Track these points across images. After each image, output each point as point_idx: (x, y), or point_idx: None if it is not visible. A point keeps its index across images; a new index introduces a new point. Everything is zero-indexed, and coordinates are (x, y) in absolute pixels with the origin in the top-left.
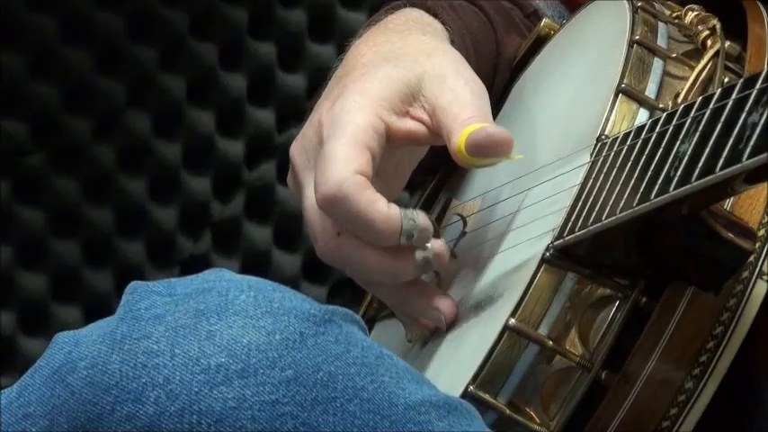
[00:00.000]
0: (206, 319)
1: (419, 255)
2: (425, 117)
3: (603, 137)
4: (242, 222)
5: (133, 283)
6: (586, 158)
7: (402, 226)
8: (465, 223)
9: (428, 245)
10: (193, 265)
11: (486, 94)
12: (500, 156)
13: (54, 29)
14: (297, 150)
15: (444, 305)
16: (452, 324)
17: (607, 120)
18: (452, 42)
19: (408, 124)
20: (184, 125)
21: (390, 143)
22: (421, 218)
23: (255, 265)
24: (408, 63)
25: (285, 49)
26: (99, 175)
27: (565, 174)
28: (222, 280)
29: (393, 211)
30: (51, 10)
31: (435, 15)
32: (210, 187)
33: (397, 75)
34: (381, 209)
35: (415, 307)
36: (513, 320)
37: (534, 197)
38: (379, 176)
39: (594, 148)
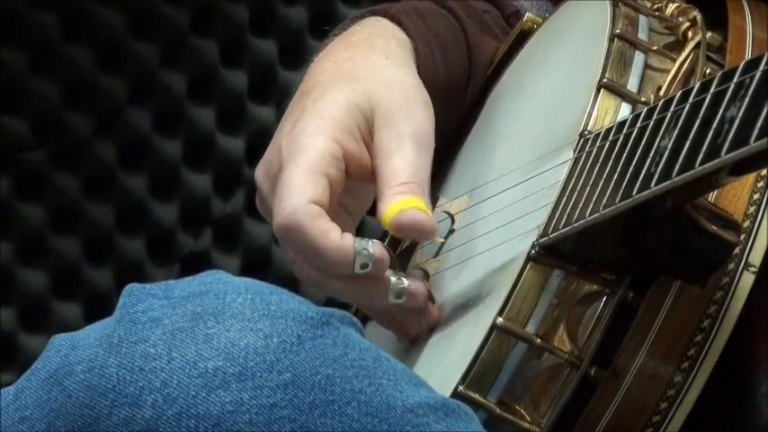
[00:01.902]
0: (203, 323)
1: (392, 287)
2: (370, 154)
3: (586, 132)
4: (242, 219)
5: (130, 286)
6: (570, 154)
7: (355, 256)
8: (453, 220)
9: (403, 278)
10: (194, 263)
11: (430, 144)
12: (420, 239)
13: (55, 26)
14: (261, 175)
15: (426, 311)
16: (440, 324)
17: (590, 115)
18: (417, 52)
19: (363, 154)
20: (185, 122)
21: (348, 169)
22: (376, 248)
23: (256, 262)
24: (367, 89)
25: (286, 45)
26: (100, 171)
27: (549, 170)
28: (219, 282)
29: (346, 241)
30: (52, 7)
31: (399, 24)
32: (211, 184)
33: (355, 100)
34: (333, 239)
35: (395, 313)
36: (500, 319)
37: (519, 194)
38: (351, 192)
39: (577, 144)
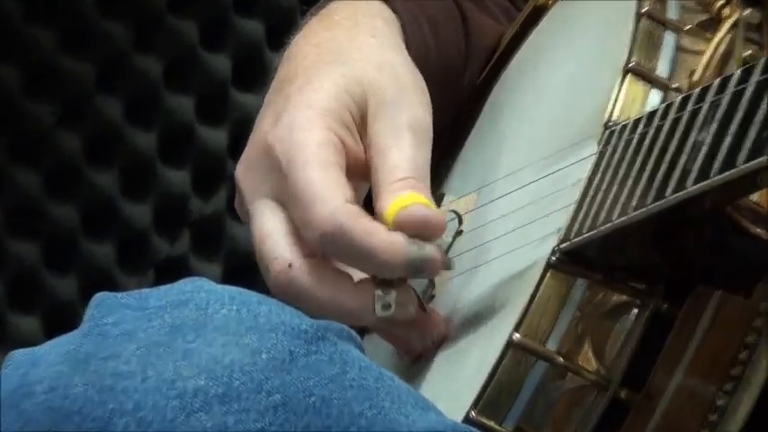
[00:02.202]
0: (182, 336)
1: (379, 297)
2: (364, 145)
3: (611, 123)
4: (225, 220)
5: (99, 295)
6: (593, 148)
7: (407, 254)
8: (460, 221)
9: (387, 291)
10: (170, 269)
11: (429, 134)
12: (428, 238)
13: (15, 5)
14: (243, 174)
15: (431, 326)
16: (448, 339)
17: (615, 104)
18: (404, 29)
19: (359, 147)
20: (161, 111)
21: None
22: (428, 247)
23: (241, 269)
24: (357, 73)
25: (274, 25)
26: (63, 166)
27: (569, 166)
28: (201, 291)
29: (394, 237)
30: None
31: (384, 0)
32: (190, 181)
33: (346, 86)
34: (382, 237)
35: (397, 329)
36: (517, 335)
37: (536, 193)
38: None
39: (602, 137)
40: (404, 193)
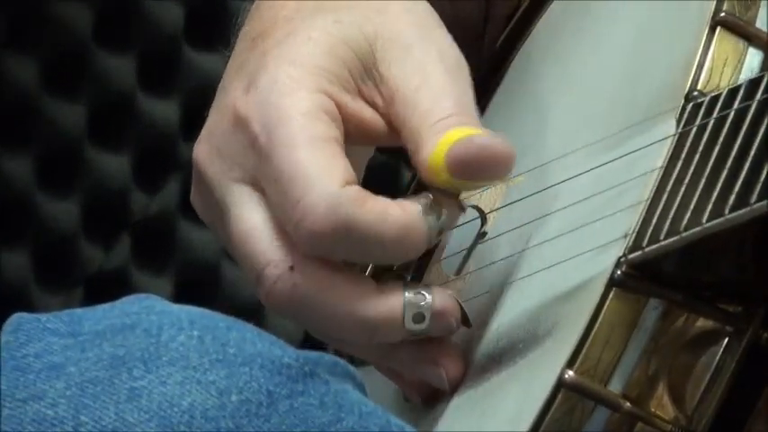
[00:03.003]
0: (127, 372)
1: (409, 307)
2: (380, 103)
3: (696, 93)
4: (176, 222)
5: (16, 317)
6: (670, 127)
7: (428, 225)
8: (484, 220)
9: (423, 291)
10: (105, 285)
11: (467, 71)
12: (496, 178)
13: None
14: (205, 155)
15: (447, 357)
16: (470, 376)
17: (700, 66)
18: None
19: (364, 111)
20: (91, 75)
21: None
22: (447, 204)
23: (197, 284)
24: (354, 17)
25: None
26: None
27: (637, 151)
28: (150, 312)
29: (411, 209)
30: None
31: None
32: (130, 169)
33: (340, 33)
34: (397, 215)
35: (404, 361)
36: (570, 372)
37: (592, 186)
38: None
39: (682, 112)
40: (452, 129)
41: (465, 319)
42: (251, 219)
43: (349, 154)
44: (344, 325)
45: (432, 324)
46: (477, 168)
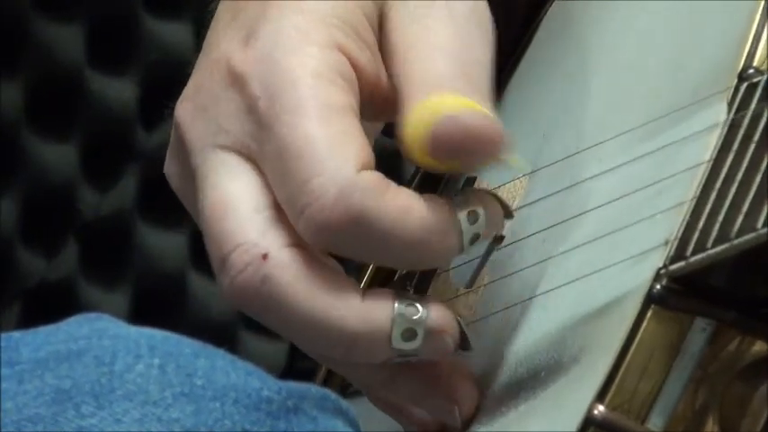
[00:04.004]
0: (74, 408)
1: (399, 322)
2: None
3: (751, 71)
4: (134, 224)
5: None
6: (720, 113)
7: (461, 228)
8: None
9: (418, 306)
10: (47, 300)
11: (483, 26)
12: (482, 161)
13: None
14: (188, 114)
15: (461, 389)
16: (484, 409)
17: (757, 39)
18: None
19: (383, 72)
20: (32, 48)
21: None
22: (486, 205)
23: (158, 300)
24: None
25: None
26: None
27: (681, 141)
28: (103, 336)
29: (440, 207)
30: None
31: None
32: (77, 159)
33: None
34: (422, 214)
35: (406, 393)
36: (600, 407)
37: (627, 182)
38: None
39: (735, 94)
40: (438, 97)
41: (464, 342)
42: (228, 190)
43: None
44: (318, 334)
45: (424, 344)
46: (453, 150)
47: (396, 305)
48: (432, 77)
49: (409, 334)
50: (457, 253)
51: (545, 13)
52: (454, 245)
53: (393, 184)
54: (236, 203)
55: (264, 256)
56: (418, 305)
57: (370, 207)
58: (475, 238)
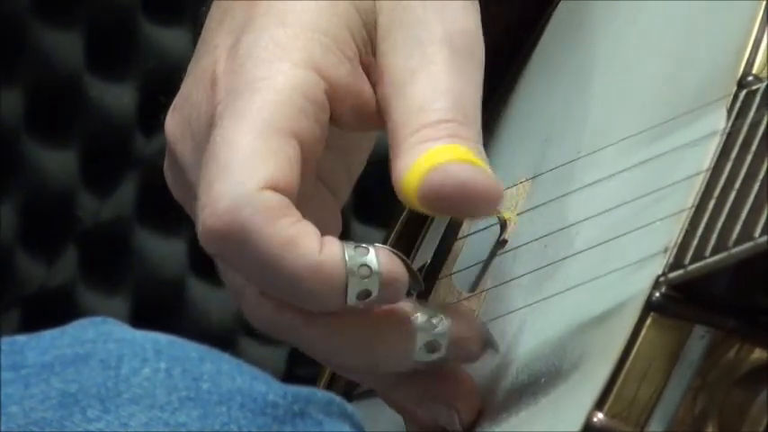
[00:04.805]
0: (80, 412)
1: (421, 335)
2: (374, 78)
3: (751, 78)
4: (133, 230)
5: None
6: (719, 120)
7: (347, 277)
8: (504, 227)
9: (438, 316)
10: (47, 306)
11: (477, 55)
12: (475, 216)
13: None
14: (176, 128)
15: (461, 396)
16: (487, 415)
17: (757, 45)
18: None
19: (364, 88)
20: (28, 53)
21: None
22: (382, 259)
23: (158, 305)
24: None
25: None
26: None
27: (680, 148)
28: (108, 340)
29: (329, 253)
30: None
31: None
32: (77, 167)
33: None
34: (307, 252)
35: (409, 396)
36: (600, 415)
37: (627, 189)
38: (337, 149)
39: (734, 101)
40: (437, 144)
41: (490, 342)
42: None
43: (342, 148)
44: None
45: (450, 352)
46: (450, 206)
47: (415, 316)
48: (431, 120)
49: (363, 291)
50: (338, 303)
51: (550, 16)
52: (335, 291)
53: (293, 213)
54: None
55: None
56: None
57: (255, 227)
58: (364, 295)
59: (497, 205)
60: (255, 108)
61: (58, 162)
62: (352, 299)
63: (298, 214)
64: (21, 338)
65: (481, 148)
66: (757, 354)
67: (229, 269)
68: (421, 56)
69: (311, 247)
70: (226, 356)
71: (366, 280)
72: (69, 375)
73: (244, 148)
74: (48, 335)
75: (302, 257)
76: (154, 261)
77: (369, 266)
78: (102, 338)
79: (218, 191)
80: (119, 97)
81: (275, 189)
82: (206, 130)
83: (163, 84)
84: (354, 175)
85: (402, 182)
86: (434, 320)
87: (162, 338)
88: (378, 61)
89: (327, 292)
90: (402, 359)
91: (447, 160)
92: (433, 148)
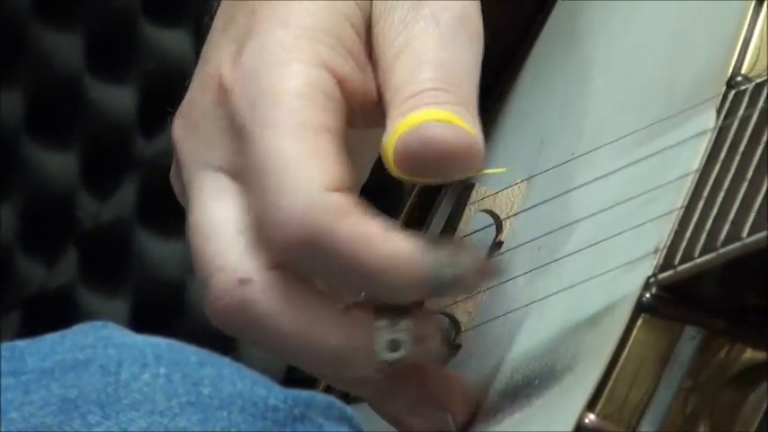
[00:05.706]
0: (80, 417)
1: (382, 330)
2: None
3: (739, 79)
4: (133, 232)
5: None
6: (709, 121)
7: (431, 271)
8: (500, 228)
9: (396, 318)
10: (47, 308)
11: (473, 31)
12: (452, 176)
13: None
14: (182, 130)
15: (454, 398)
16: (482, 416)
17: (746, 45)
18: None
19: (370, 83)
20: (29, 55)
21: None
22: (464, 255)
23: (158, 307)
24: None
25: None
26: None
27: (670, 148)
28: (108, 345)
29: (403, 246)
30: None
31: None
32: (78, 168)
33: None
34: (381, 246)
35: (401, 406)
36: (591, 416)
37: (618, 190)
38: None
39: (723, 102)
40: (416, 111)
41: (452, 346)
42: (212, 211)
43: (355, 143)
44: (301, 353)
45: (410, 350)
46: (427, 165)
47: (376, 322)
48: (415, 91)
49: (394, 344)
50: (418, 292)
51: (548, 16)
52: (414, 281)
53: (359, 211)
54: (219, 226)
55: (242, 281)
56: (400, 317)
57: (326, 229)
58: (452, 282)
59: (475, 164)
60: (284, 112)
61: (58, 163)
62: (425, 272)
63: (362, 207)
64: (21, 344)
65: (470, 112)
66: (748, 354)
67: (195, 256)
68: (406, 35)
69: (384, 239)
70: (226, 361)
71: (454, 267)
72: (69, 381)
73: (292, 156)
74: (48, 340)
75: (378, 249)
76: (154, 262)
77: (453, 259)
78: (102, 343)
79: (285, 204)
80: (119, 99)
81: (335, 187)
82: (221, 132)
83: (163, 85)
84: (364, 174)
85: (383, 150)
86: (395, 318)
87: (162, 343)
88: (372, 47)
89: (417, 282)
90: (365, 357)
91: (423, 121)
92: (415, 112)
